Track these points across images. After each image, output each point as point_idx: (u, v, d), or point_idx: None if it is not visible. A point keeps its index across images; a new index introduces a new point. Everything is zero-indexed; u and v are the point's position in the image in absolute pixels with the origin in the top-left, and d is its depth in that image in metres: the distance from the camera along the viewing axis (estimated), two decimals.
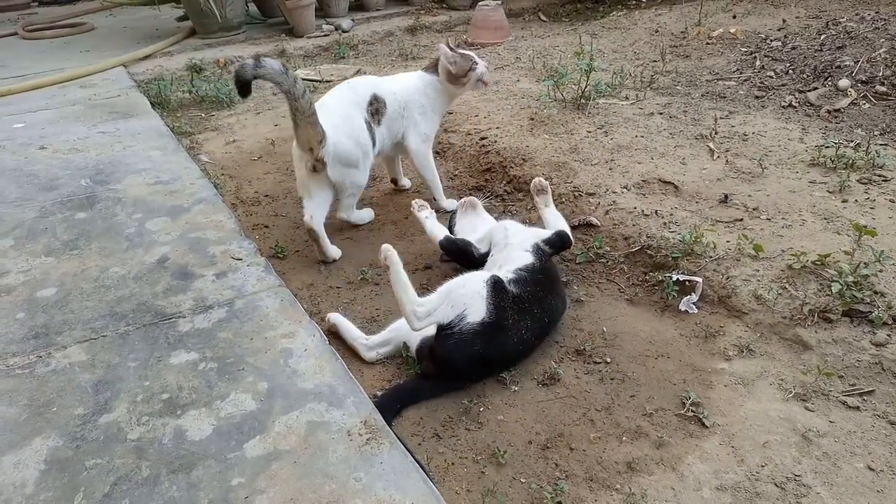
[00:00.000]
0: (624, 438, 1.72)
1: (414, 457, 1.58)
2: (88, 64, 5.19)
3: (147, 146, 3.50)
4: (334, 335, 2.11)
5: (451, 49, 2.78)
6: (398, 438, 1.63)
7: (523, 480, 1.62)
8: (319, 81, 4.75)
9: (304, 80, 4.74)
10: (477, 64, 2.76)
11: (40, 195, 2.97)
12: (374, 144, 2.67)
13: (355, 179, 2.64)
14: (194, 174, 3.12)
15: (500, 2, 5.55)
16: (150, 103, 4.29)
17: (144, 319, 2.09)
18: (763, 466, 1.60)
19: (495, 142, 3.30)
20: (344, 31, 5.93)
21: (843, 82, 3.53)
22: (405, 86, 2.83)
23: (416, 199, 2.46)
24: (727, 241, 2.32)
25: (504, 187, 3.02)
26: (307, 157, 2.50)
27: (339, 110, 2.58)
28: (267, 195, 3.12)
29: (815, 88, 3.58)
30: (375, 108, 2.68)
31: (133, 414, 1.71)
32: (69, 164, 3.31)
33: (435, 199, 2.91)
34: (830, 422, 1.71)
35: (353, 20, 6.21)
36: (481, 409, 1.84)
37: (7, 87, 4.61)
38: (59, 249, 2.52)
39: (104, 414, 1.72)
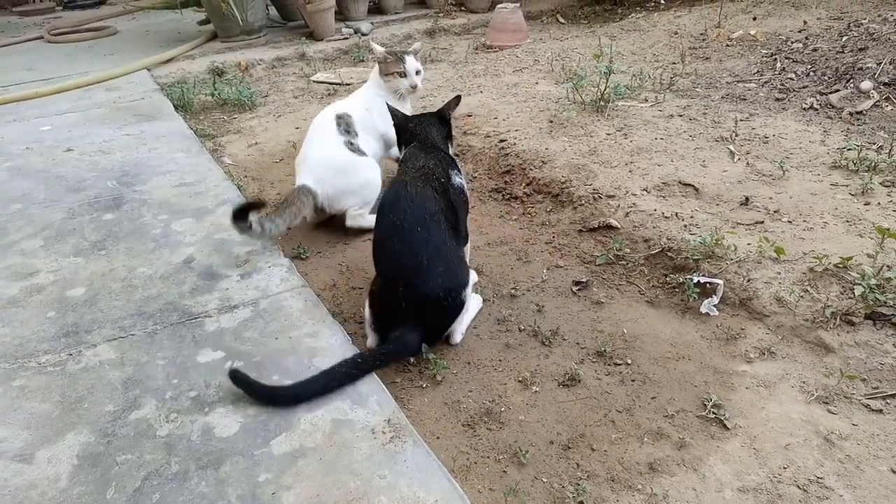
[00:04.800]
0: (645, 439, 1.72)
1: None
2: (112, 67, 5.29)
3: (171, 148, 3.56)
4: None
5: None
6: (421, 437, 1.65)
7: (545, 480, 1.63)
8: (339, 84, 4.79)
9: (324, 83, 4.82)
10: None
11: (68, 196, 3.03)
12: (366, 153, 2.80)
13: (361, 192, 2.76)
14: (218, 176, 3.17)
15: (518, 4, 5.56)
16: (174, 106, 4.36)
17: (172, 319, 2.13)
18: (785, 468, 1.60)
19: (514, 144, 3.32)
20: (363, 35, 5.97)
21: (866, 84, 3.50)
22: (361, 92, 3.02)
23: None
24: (748, 244, 2.32)
25: (524, 189, 3.03)
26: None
27: (315, 152, 2.76)
28: None
29: (837, 90, 3.56)
30: (344, 126, 2.79)
31: (162, 411, 1.75)
32: (95, 165, 3.38)
33: None
34: (853, 424, 1.71)
35: (372, 23, 6.25)
36: (502, 410, 1.85)
37: (34, 91, 4.71)
38: (87, 250, 2.57)
39: (134, 411, 1.76)
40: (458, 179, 2.20)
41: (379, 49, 2.92)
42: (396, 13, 6.71)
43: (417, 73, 2.90)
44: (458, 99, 2.37)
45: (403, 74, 2.86)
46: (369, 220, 2.72)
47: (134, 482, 1.54)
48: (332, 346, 1.97)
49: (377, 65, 2.93)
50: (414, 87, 2.89)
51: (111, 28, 7.08)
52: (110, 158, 3.46)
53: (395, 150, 2.96)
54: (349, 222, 2.77)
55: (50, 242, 2.63)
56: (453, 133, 2.42)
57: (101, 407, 1.78)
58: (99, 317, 2.17)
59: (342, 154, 2.73)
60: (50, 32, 6.93)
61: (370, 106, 2.89)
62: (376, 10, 6.78)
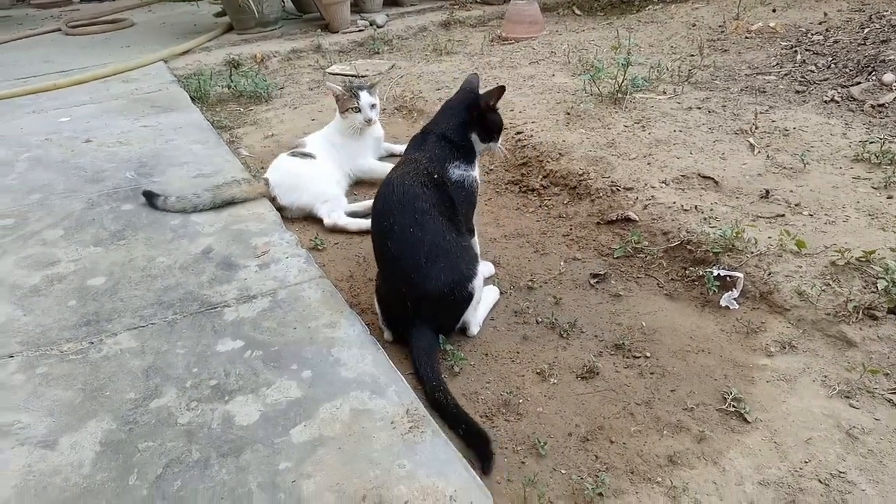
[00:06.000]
0: (665, 432, 1.72)
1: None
2: (129, 59, 5.31)
3: (188, 140, 3.58)
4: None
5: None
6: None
7: (564, 472, 1.63)
8: (355, 76, 4.79)
9: (339, 74, 4.82)
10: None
11: (87, 187, 3.05)
12: None
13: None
14: (235, 167, 3.18)
15: None
16: (190, 98, 4.38)
17: (191, 308, 2.14)
18: (806, 462, 1.59)
19: (531, 136, 3.30)
20: (378, 27, 5.96)
21: (888, 77, 3.45)
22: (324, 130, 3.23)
23: None
24: (769, 237, 2.30)
25: (540, 182, 3.02)
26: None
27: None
28: None
29: (859, 83, 3.51)
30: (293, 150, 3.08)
31: (182, 399, 1.77)
32: (114, 156, 3.40)
33: None
34: (876, 419, 1.69)
35: (387, 15, 6.24)
36: (520, 401, 1.85)
37: (53, 83, 4.75)
38: (107, 240, 2.59)
39: (155, 399, 1.77)
40: (457, 172, 2.08)
41: (335, 87, 3.07)
42: (412, 5, 6.69)
43: (372, 107, 3.02)
44: (501, 89, 2.12)
45: (358, 110, 2.99)
46: (345, 221, 2.80)
47: (156, 469, 1.56)
48: (350, 336, 1.98)
49: (336, 102, 3.08)
50: (369, 121, 3.02)
51: (128, 20, 7.12)
52: (128, 149, 3.48)
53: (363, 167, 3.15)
54: (326, 222, 2.82)
55: (70, 232, 2.66)
56: (490, 125, 2.17)
57: (123, 395, 1.79)
58: (119, 306, 2.18)
59: (288, 162, 2.94)
60: (67, 25, 6.97)
61: (332, 141, 3.09)
62: (392, 1, 6.77)
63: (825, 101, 3.42)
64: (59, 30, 6.94)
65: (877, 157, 2.71)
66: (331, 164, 3.02)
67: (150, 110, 4.13)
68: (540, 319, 2.17)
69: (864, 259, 2.09)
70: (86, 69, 5.13)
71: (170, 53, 5.46)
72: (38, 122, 4.01)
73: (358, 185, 3.19)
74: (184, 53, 5.54)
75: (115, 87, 4.74)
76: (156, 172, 3.17)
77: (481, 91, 2.21)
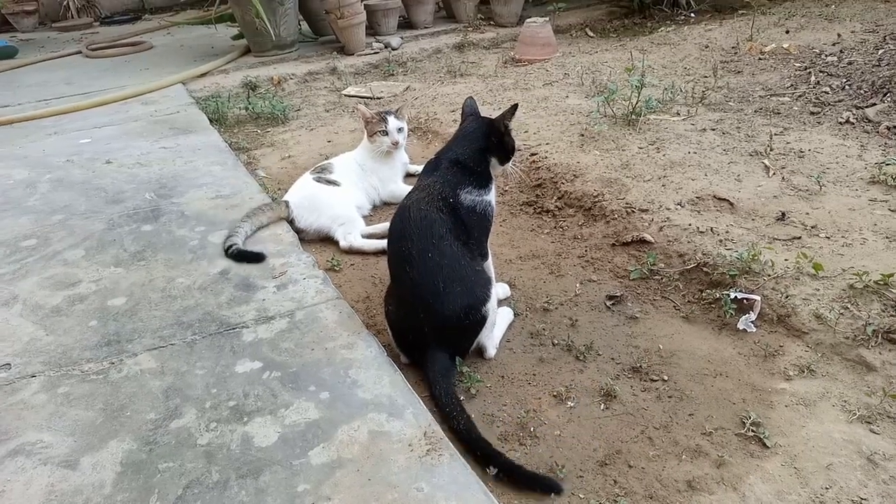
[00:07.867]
0: (683, 457, 1.71)
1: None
2: (148, 81, 5.41)
3: (207, 161, 3.62)
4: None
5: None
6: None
7: (582, 496, 1.62)
8: (370, 98, 4.84)
9: (355, 96, 4.88)
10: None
11: (108, 208, 3.10)
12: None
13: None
14: (253, 189, 3.22)
15: (547, 18, 5.58)
16: (209, 119, 4.44)
17: (210, 329, 2.16)
18: (827, 489, 1.58)
19: (546, 157, 3.32)
20: (393, 49, 6.04)
21: None
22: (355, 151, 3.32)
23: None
24: (785, 260, 2.30)
25: (555, 203, 3.03)
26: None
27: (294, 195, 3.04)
28: None
29: (874, 104, 3.51)
30: (319, 169, 3.18)
31: (202, 420, 1.78)
32: (134, 178, 3.45)
33: None
34: None
35: (402, 38, 6.31)
36: (537, 424, 1.85)
37: (74, 104, 4.83)
38: (127, 260, 2.62)
39: (174, 419, 1.79)
40: (470, 197, 2.06)
41: (365, 111, 3.16)
42: (426, 28, 6.76)
43: (399, 130, 3.11)
44: (514, 108, 2.14)
45: (385, 133, 3.08)
46: (361, 242, 2.83)
47: (176, 490, 1.57)
48: (367, 357, 1.99)
49: (365, 126, 3.17)
50: (395, 144, 3.11)
51: (147, 43, 7.24)
52: (148, 171, 3.54)
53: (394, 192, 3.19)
54: (342, 244, 2.85)
55: (91, 253, 2.69)
56: (507, 146, 2.18)
57: (143, 415, 1.81)
58: (139, 326, 2.21)
59: (311, 186, 3.02)
60: (88, 47, 7.10)
61: (363, 164, 3.18)
62: (406, 24, 6.85)
63: (840, 123, 3.42)
64: (80, 52, 7.07)
65: (893, 179, 2.70)
66: (354, 188, 3.08)
67: (169, 132, 4.19)
68: (556, 341, 2.18)
69: (882, 282, 2.08)
70: (106, 91, 5.23)
71: (188, 76, 5.55)
72: (59, 144, 4.09)
73: (374, 206, 3.22)
74: (202, 76, 5.63)
75: (134, 108, 4.82)
76: (175, 194, 3.21)
77: (482, 113, 2.25)
